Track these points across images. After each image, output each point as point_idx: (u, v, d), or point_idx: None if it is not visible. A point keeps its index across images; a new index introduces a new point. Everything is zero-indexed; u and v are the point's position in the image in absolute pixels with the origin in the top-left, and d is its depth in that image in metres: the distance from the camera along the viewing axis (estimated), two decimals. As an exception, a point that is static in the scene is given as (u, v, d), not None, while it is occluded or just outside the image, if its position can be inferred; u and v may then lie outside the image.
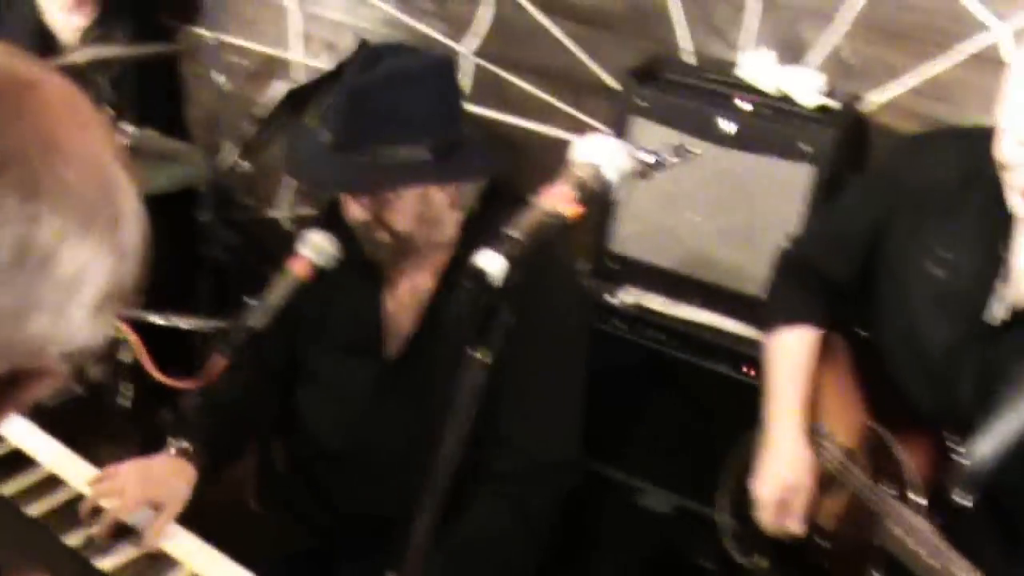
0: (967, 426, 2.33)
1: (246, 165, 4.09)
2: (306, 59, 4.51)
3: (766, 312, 2.80)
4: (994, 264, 2.37)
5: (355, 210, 2.54)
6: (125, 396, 3.89)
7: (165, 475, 2.56)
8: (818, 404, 2.67)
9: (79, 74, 3.69)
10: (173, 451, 2.63)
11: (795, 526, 2.59)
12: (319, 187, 2.61)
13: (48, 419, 2.83)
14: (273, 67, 4.61)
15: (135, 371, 3.80)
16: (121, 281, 1.09)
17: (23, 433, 2.74)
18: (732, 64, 3.45)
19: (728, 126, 3.19)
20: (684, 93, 3.34)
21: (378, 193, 2.50)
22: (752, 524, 2.66)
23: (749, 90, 3.32)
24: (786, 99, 3.26)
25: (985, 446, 2.28)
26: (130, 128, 3.77)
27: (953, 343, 2.42)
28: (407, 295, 2.71)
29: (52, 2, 4.34)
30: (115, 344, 3.77)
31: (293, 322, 2.66)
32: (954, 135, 2.65)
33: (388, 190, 2.49)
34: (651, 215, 3.34)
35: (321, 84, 4.12)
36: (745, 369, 3.19)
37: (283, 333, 2.72)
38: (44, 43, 4.35)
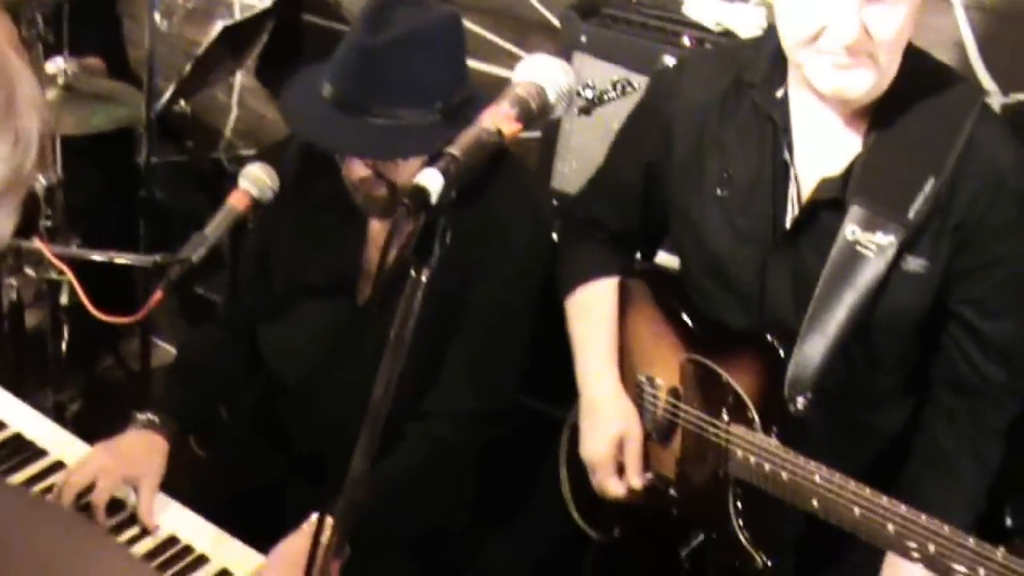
0: (787, 334, 2.33)
1: (183, 104, 4.05)
2: (246, -1, 4.46)
3: (559, 280, 2.75)
4: (777, 168, 2.35)
5: (357, 168, 2.51)
6: (63, 340, 3.86)
7: (136, 451, 2.55)
8: (633, 355, 2.64)
9: (12, 10, 3.64)
10: (140, 425, 2.61)
11: (635, 479, 2.55)
12: (328, 147, 2.54)
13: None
14: (213, 7, 4.56)
15: (73, 315, 3.78)
16: (18, 169, 1.05)
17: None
18: (675, 0, 3.44)
19: (669, 61, 3.17)
20: (626, 29, 3.33)
21: (391, 159, 2.47)
22: (598, 498, 2.63)
23: (690, 25, 3.30)
24: (727, 34, 3.25)
25: (808, 346, 2.29)
26: (64, 64, 3.70)
27: (753, 258, 2.40)
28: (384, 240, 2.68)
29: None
30: (54, 287, 3.74)
31: (267, 266, 2.64)
32: (706, 55, 2.65)
33: (400, 156, 2.46)
34: (593, 151, 3.30)
35: (257, 22, 4.07)
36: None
37: (256, 280, 2.71)
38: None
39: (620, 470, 2.57)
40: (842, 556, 2.46)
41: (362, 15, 2.45)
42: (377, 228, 2.70)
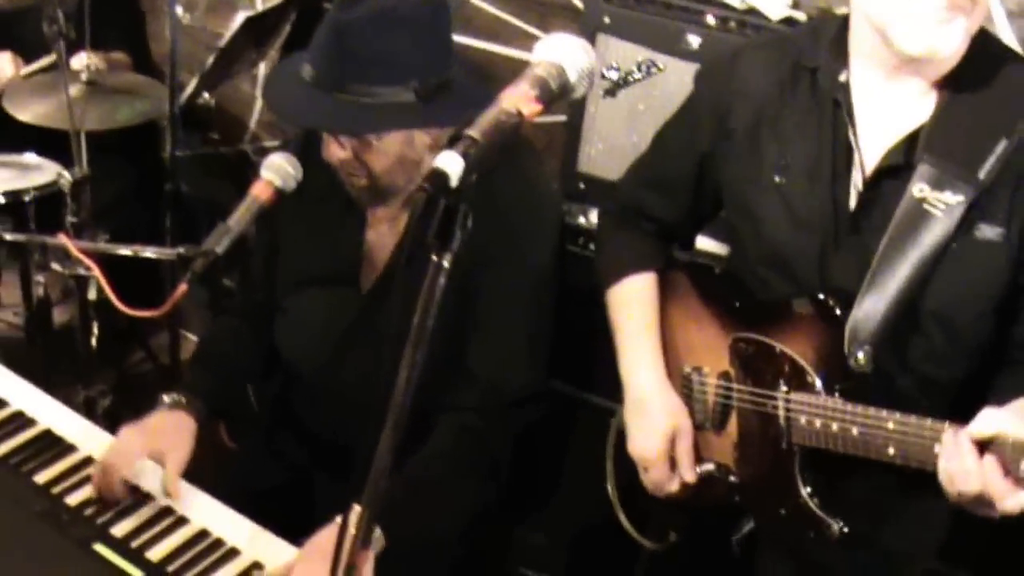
0: (850, 300, 2.28)
1: (206, 97, 4.04)
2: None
3: (600, 268, 2.73)
4: (839, 152, 2.32)
5: (335, 149, 2.50)
6: (92, 336, 3.86)
7: (163, 428, 2.57)
8: (678, 348, 2.61)
9: (34, 5, 3.65)
10: (167, 406, 2.62)
11: (688, 473, 2.53)
12: (300, 123, 2.56)
13: (16, 363, 2.83)
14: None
15: (102, 310, 3.78)
16: None
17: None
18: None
19: (693, 41, 3.14)
20: (649, 9, 3.30)
21: (361, 135, 2.47)
22: (653, 504, 2.60)
23: (715, 4, 3.27)
24: (752, 12, 3.22)
25: (869, 303, 2.25)
26: (87, 60, 3.71)
27: (816, 248, 2.37)
28: (387, 229, 2.70)
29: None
30: (82, 283, 3.74)
31: (276, 259, 2.63)
32: (759, 46, 2.56)
33: (371, 132, 2.46)
34: (619, 133, 3.30)
35: (280, 12, 4.07)
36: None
37: (265, 270, 2.71)
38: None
39: (672, 466, 2.54)
40: (911, 506, 2.42)
41: None
42: (377, 215, 2.69)
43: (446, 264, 1.58)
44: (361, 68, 2.40)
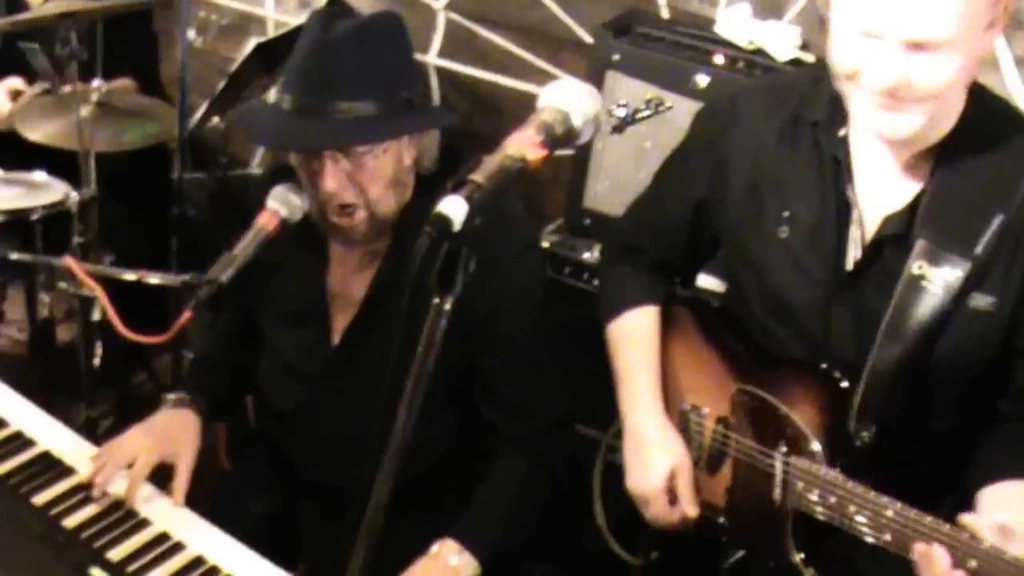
0: (854, 369, 2.30)
1: (216, 121, 4.05)
2: (278, 15, 4.47)
3: (600, 303, 2.75)
4: (840, 208, 2.33)
5: (330, 179, 2.45)
6: (95, 356, 3.86)
7: (170, 429, 2.61)
8: (678, 383, 2.61)
9: (47, 27, 3.66)
10: (171, 404, 2.67)
11: (690, 509, 2.52)
12: (299, 150, 2.52)
13: (18, 381, 2.83)
14: (247, 24, 4.57)
15: (105, 330, 3.78)
16: None
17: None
18: (708, 19, 3.43)
19: (701, 80, 3.16)
20: (659, 47, 3.33)
21: (357, 145, 2.44)
22: (635, 523, 2.60)
23: (723, 44, 3.30)
24: (760, 53, 3.24)
25: (873, 379, 2.27)
26: (98, 83, 3.72)
27: (820, 300, 2.37)
28: (354, 268, 2.68)
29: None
30: (86, 303, 3.75)
31: (243, 285, 2.62)
32: (761, 89, 2.57)
33: (373, 142, 2.44)
34: (625, 170, 3.32)
35: (291, 38, 4.06)
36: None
37: (234, 295, 2.70)
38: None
39: (671, 501, 2.54)
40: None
41: (310, 23, 2.45)
42: (342, 252, 2.68)
43: (448, 307, 1.59)
44: (346, 84, 2.40)
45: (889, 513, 2.17)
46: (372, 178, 2.47)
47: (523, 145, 1.66)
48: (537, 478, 2.64)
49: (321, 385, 2.71)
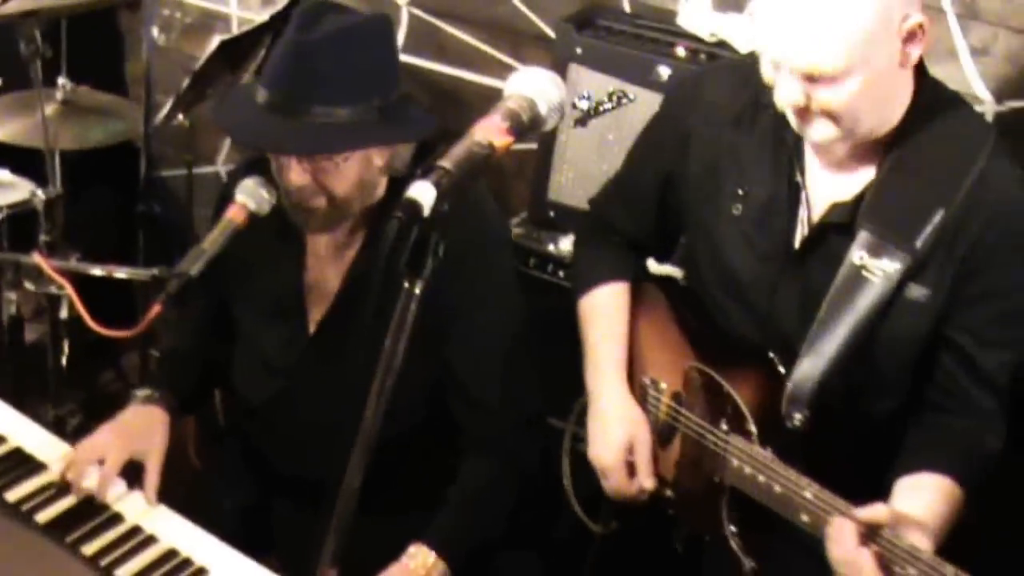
0: (791, 351, 2.36)
1: (181, 119, 4.05)
2: (242, 12, 4.48)
3: (573, 277, 2.81)
4: (791, 189, 2.39)
5: (294, 175, 2.46)
6: (63, 354, 3.87)
7: (138, 426, 2.60)
8: (642, 356, 2.66)
9: (10, 25, 3.66)
10: (139, 401, 2.66)
11: (647, 482, 2.56)
12: (264, 149, 2.52)
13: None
14: (210, 21, 4.57)
15: (73, 329, 3.79)
16: None
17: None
18: (669, 12, 3.46)
19: (663, 72, 3.19)
20: (621, 40, 3.35)
21: (327, 155, 2.43)
22: (597, 492, 2.65)
23: (685, 37, 3.32)
24: (722, 44, 3.27)
25: (807, 364, 2.33)
26: (63, 81, 3.72)
27: (767, 276, 2.44)
28: (329, 260, 2.68)
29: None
30: (53, 301, 3.75)
31: (216, 277, 2.61)
32: (727, 69, 2.65)
33: (336, 152, 2.43)
34: (588, 162, 3.34)
35: (255, 36, 4.08)
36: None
37: (206, 288, 2.70)
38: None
39: (630, 473, 2.58)
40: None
41: (293, 19, 2.44)
42: (318, 246, 2.68)
43: (418, 291, 1.61)
44: (322, 88, 2.39)
45: (807, 494, 2.23)
46: (337, 180, 2.46)
47: (490, 132, 1.68)
48: (506, 477, 2.65)
49: (296, 377, 2.71)
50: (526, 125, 1.74)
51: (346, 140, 2.42)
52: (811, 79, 2.16)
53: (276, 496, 2.86)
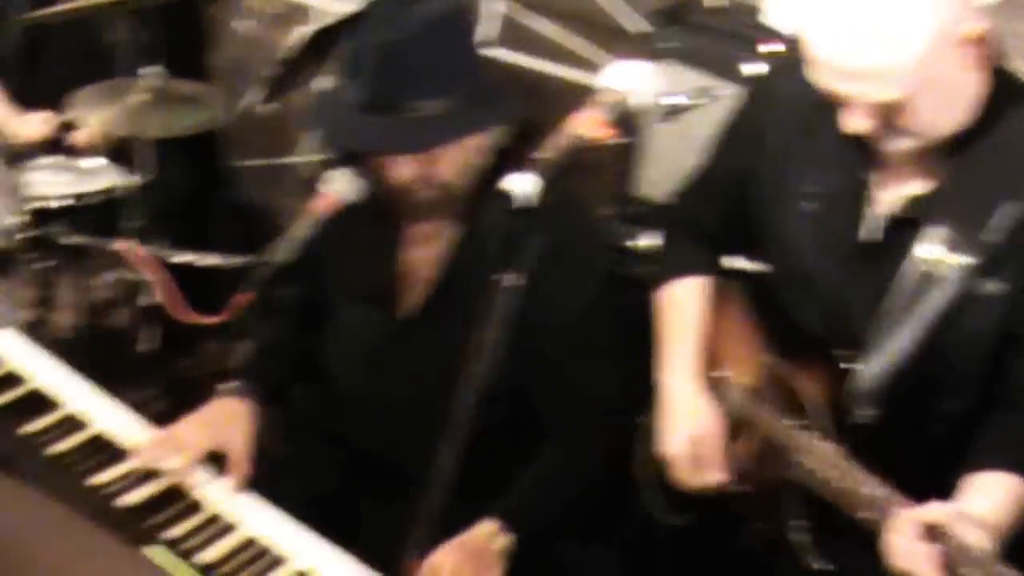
0: (861, 345, 2.33)
1: (269, 108, 4.07)
2: (328, 4, 4.49)
3: (654, 271, 2.78)
4: (860, 186, 2.36)
5: (402, 171, 2.49)
6: (147, 340, 3.90)
7: (225, 417, 2.63)
8: (718, 350, 2.64)
9: (103, 16, 3.70)
10: (224, 394, 2.68)
11: (715, 476, 2.53)
12: (367, 151, 2.54)
13: (69, 363, 2.85)
14: (295, 13, 4.60)
15: (156, 315, 3.82)
16: None
17: (47, 372, 2.78)
18: (755, 7, 3.44)
19: (749, 67, 3.17)
20: (707, 36, 3.34)
21: (430, 150, 2.45)
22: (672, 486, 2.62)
23: (772, 32, 3.30)
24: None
25: (878, 360, 2.30)
26: (150, 70, 3.75)
27: (836, 272, 2.41)
28: (425, 247, 2.69)
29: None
30: (135, 287, 3.79)
31: (313, 263, 2.67)
32: (794, 67, 2.56)
33: (439, 145, 2.45)
34: (674, 158, 3.32)
35: (342, 27, 4.10)
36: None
37: (303, 274, 2.72)
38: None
39: (698, 465, 2.55)
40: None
41: (369, 16, 2.47)
42: (414, 233, 2.69)
43: (517, 283, 1.61)
44: (418, 83, 2.41)
45: (864, 490, 2.21)
46: (443, 169, 2.49)
47: (587, 125, 1.69)
48: (578, 465, 2.66)
49: (385, 361, 2.72)
50: (622, 118, 1.73)
51: (447, 131, 2.44)
52: (876, 107, 2.13)
53: (359, 483, 2.86)
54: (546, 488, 2.63)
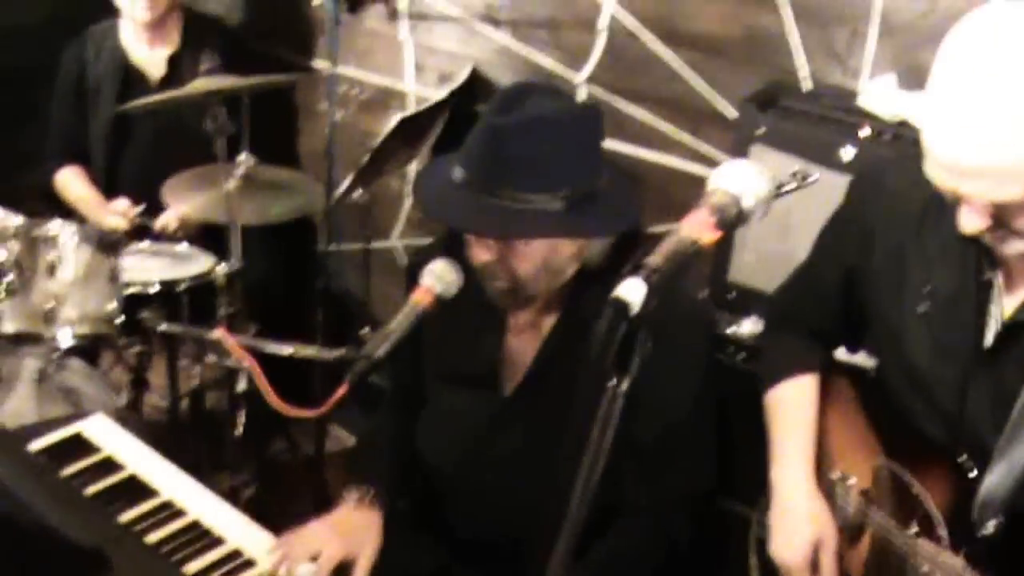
0: (984, 452, 2.26)
1: (360, 194, 4.10)
2: (420, 89, 4.53)
3: (760, 372, 2.74)
4: (980, 288, 2.29)
5: (480, 252, 2.51)
6: (239, 425, 3.92)
7: (356, 526, 2.65)
8: (830, 449, 2.59)
9: (197, 104, 3.75)
10: (353, 501, 2.69)
11: None
12: (450, 224, 2.60)
13: (160, 450, 2.87)
14: (387, 98, 4.64)
15: (250, 400, 3.84)
16: None
17: (140, 459, 2.80)
18: (850, 91, 3.42)
19: (847, 152, 3.14)
20: (803, 120, 3.31)
21: (508, 239, 2.47)
22: None
23: (868, 116, 3.28)
24: (903, 124, 3.22)
25: (1002, 469, 2.22)
26: (243, 156, 3.79)
27: (955, 375, 2.33)
28: (527, 333, 2.70)
29: (135, 40, 4.44)
30: (232, 374, 3.81)
31: (411, 351, 2.68)
32: (906, 161, 2.49)
33: (518, 237, 2.46)
34: (770, 244, 3.30)
35: (432, 113, 4.13)
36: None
37: (402, 363, 2.73)
38: (131, 80, 4.45)
39: (814, 570, 2.51)
40: None
41: (496, 99, 2.46)
42: (518, 320, 2.70)
43: (624, 388, 1.59)
44: (513, 173, 2.41)
45: None
46: (521, 260, 2.49)
47: (697, 228, 1.67)
48: (655, 545, 2.64)
49: (486, 444, 2.73)
50: (732, 220, 1.72)
51: (526, 227, 2.44)
52: (994, 207, 2.06)
53: (458, 563, 2.85)
54: (619, 562, 2.60)
